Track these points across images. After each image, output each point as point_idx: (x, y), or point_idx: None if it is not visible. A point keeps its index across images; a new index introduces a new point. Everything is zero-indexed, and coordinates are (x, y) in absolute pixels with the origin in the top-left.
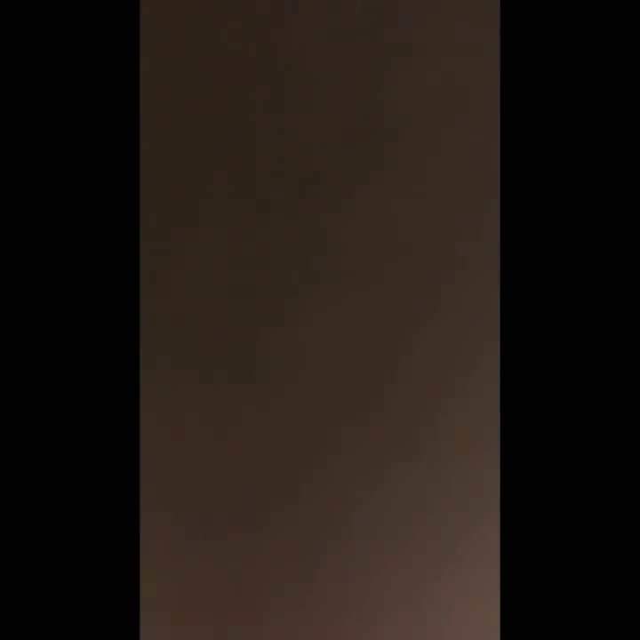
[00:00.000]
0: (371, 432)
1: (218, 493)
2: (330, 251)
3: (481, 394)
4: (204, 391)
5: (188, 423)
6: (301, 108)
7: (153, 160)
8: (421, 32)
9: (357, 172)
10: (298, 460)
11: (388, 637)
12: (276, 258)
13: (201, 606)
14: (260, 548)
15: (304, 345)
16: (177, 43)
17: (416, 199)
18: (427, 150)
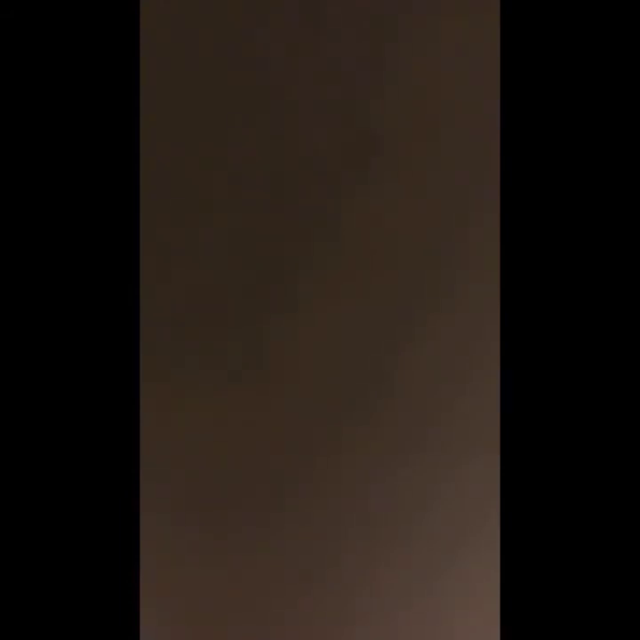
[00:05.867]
0: (371, 431)
1: (218, 493)
2: (330, 250)
3: (481, 393)
4: (204, 391)
5: (188, 423)
6: (301, 107)
7: (153, 159)
8: (421, 31)
9: (358, 172)
10: (298, 460)
11: (388, 637)
12: (276, 258)
13: (201, 606)
14: (259, 548)
15: (304, 344)
16: (177, 42)
17: (416, 199)
18: (427, 150)
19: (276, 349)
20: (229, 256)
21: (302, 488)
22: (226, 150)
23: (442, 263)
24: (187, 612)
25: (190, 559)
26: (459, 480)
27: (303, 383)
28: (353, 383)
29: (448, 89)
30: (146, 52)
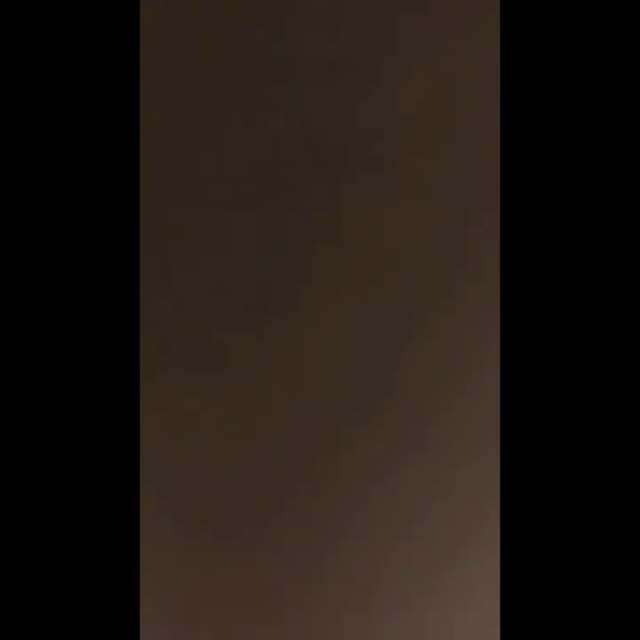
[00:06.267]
0: (371, 431)
1: (218, 493)
2: (330, 251)
3: (481, 393)
4: (204, 391)
5: (188, 423)
6: (302, 108)
7: (153, 160)
8: (421, 32)
9: (358, 173)
10: (298, 460)
11: (387, 637)
12: (277, 258)
13: (201, 606)
14: (259, 548)
15: (304, 345)
16: (177, 43)
17: (416, 199)
18: (427, 150)
19: (276, 349)
20: (229, 256)
21: (302, 488)
22: (226, 150)
23: (442, 263)
24: (187, 612)
25: (190, 559)
26: (459, 480)
27: (303, 383)
28: (353, 383)
29: (448, 89)
30: (146, 52)
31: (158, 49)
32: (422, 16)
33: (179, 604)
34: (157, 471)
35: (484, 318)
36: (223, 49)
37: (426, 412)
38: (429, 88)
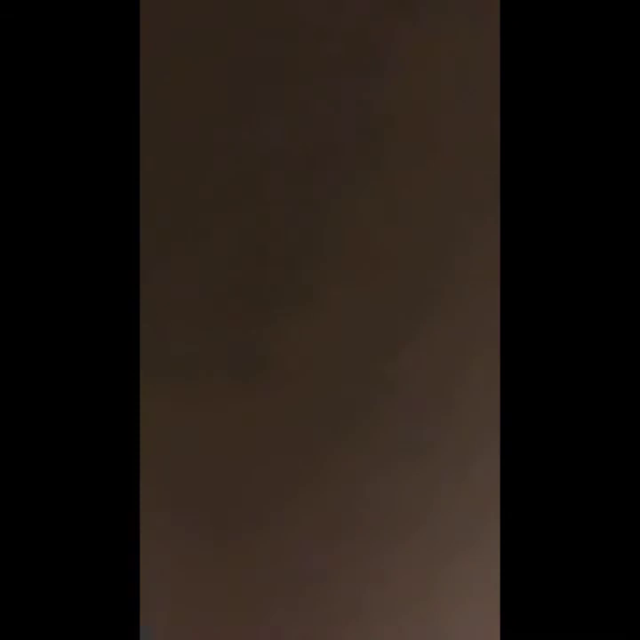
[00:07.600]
0: (371, 432)
1: (218, 493)
2: (329, 251)
3: (481, 393)
4: (204, 391)
5: (187, 423)
6: (301, 108)
7: (153, 160)
8: (421, 31)
9: (358, 173)
10: (298, 460)
11: (387, 637)
12: (277, 258)
13: (201, 606)
14: (260, 549)
15: (304, 345)
16: (177, 42)
17: (416, 199)
18: (427, 150)
19: (276, 350)
20: (229, 257)
21: (302, 488)
22: (226, 151)
23: (442, 263)
24: (187, 613)
25: (190, 559)
26: (459, 480)
27: (303, 384)
28: (353, 383)
29: (448, 89)
30: (146, 52)
31: (158, 49)
32: (422, 15)
33: (179, 605)
34: (157, 471)
35: (484, 318)
36: (223, 49)
37: (426, 412)
38: (429, 88)
